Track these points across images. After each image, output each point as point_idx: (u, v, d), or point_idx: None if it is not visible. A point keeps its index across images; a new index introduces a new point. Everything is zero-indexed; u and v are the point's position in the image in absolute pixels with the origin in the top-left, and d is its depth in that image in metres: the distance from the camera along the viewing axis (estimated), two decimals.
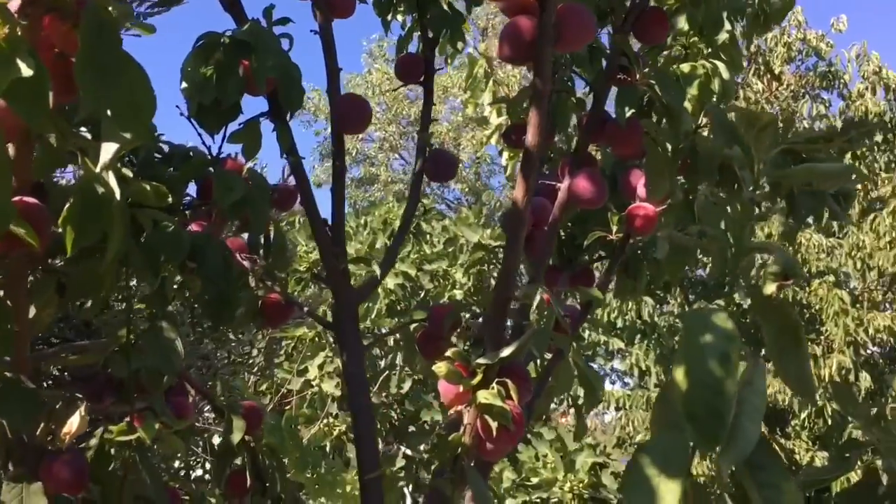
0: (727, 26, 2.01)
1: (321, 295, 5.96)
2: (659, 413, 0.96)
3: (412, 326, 2.09)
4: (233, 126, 1.75)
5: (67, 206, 1.16)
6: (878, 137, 9.28)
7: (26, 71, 0.96)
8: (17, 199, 1.18)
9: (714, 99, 2.03)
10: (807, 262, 8.71)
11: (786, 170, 0.90)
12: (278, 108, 1.79)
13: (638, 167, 2.06)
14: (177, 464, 4.53)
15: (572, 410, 8.79)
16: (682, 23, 2.06)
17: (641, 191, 1.96)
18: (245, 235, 1.99)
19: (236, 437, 1.89)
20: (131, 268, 1.49)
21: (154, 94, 1.12)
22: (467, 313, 2.16)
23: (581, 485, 5.88)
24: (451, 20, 2.06)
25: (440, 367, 1.49)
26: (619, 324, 8.80)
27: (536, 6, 1.48)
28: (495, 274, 6.55)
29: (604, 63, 2.01)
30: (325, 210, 1.96)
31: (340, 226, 1.92)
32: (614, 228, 2.06)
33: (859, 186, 8.58)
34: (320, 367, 5.46)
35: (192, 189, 1.84)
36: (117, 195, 1.20)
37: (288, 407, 5.25)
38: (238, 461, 1.99)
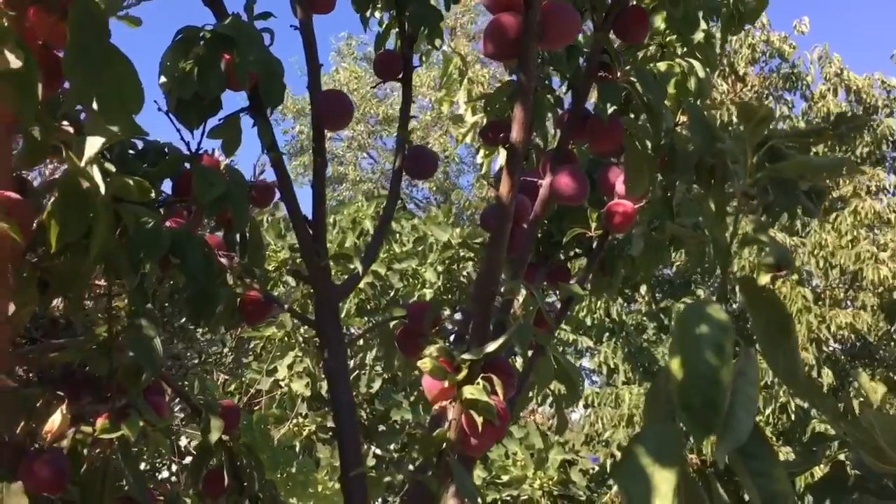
0: (703, 25, 2.05)
1: (290, 295, 5.92)
2: (652, 403, 0.98)
3: (391, 324, 2.09)
4: (212, 121, 1.73)
5: (52, 200, 1.15)
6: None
7: (15, 63, 0.95)
8: None
9: (690, 97, 2.06)
10: None
11: (780, 164, 0.92)
12: (259, 104, 1.78)
13: (616, 164, 2.09)
14: (142, 465, 4.48)
15: (541, 409, 8.85)
16: (659, 21, 2.09)
17: (620, 188, 1.98)
18: (220, 233, 1.99)
19: (214, 436, 1.88)
20: (111, 264, 1.47)
21: (142, 87, 1.11)
22: (445, 311, 2.17)
23: (551, 482, 5.93)
24: (429, 17, 2.07)
25: (425, 363, 1.49)
26: (588, 322, 8.87)
27: (520, 3, 1.50)
28: (465, 273, 6.58)
29: (581, 61, 2.03)
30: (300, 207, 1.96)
31: (321, 222, 1.91)
32: (593, 225, 2.08)
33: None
34: (290, 366, 5.44)
35: (166, 185, 1.83)
36: (102, 190, 1.19)
37: (257, 407, 5.21)
38: (215, 461, 1.98)
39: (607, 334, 9.14)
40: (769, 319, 0.92)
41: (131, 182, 1.33)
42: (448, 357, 1.52)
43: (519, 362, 2.06)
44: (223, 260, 1.87)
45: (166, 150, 1.79)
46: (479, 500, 5.69)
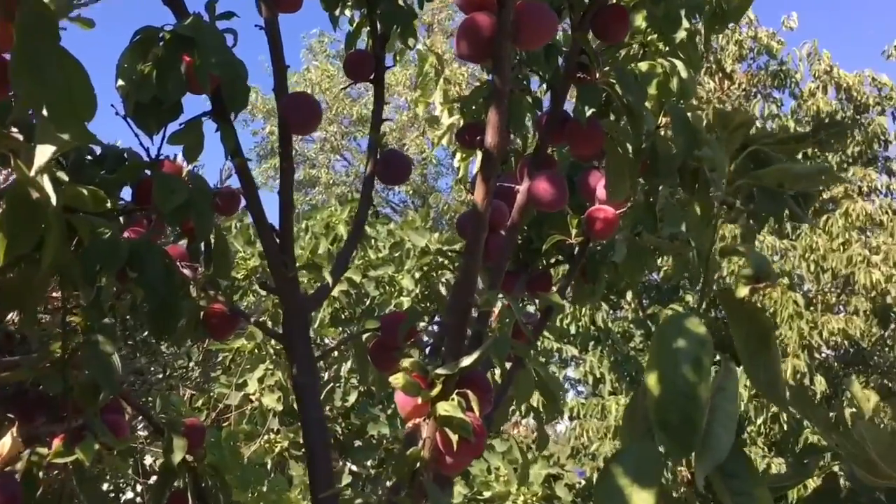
0: (685, 24, 2.06)
1: (260, 305, 5.90)
2: (629, 421, 0.99)
3: (364, 336, 2.09)
4: (172, 126, 1.72)
5: (0, 211, 1.13)
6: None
7: None
8: None
9: (673, 98, 2.07)
10: None
11: (759, 171, 0.93)
12: (222, 108, 1.77)
13: (596, 168, 2.10)
14: (105, 486, 4.43)
15: (525, 421, 8.86)
16: (640, 20, 2.10)
17: (601, 192, 1.99)
18: (183, 242, 1.97)
19: (177, 456, 1.87)
20: (66, 277, 1.46)
21: (94, 92, 1.10)
22: (421, 321, 2.16)
23: (535, 497, 5.93)
24: (401, 16, 2.07)
25: (397, 379, 1.49)
26: (573, 330, 8.90)
27: (494, 2, 1.50)
28: (444, 280, 6.58)
29: (560, 61, 2.04)
30: (268, 214, 1.95)
31: (288, 231, 1.91)
32: (573, 232, 2.09)
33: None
34: (260, 380, 5.40)
35: (126, 193, 1.82)
36: (53, 200, 1.18)
37: (226, 423, 5.18)
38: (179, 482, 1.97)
39: (593, 343, 9.17)
40: (749, 332, 0.93)
41: (85, 191, 1.32)
42: (422, 372, 1.52)
43: (497, 375, 2.06)
44: (186, 271, 1.86)
45: (125, 155, 1.77)
46: None
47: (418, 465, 1.47)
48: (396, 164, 2.10)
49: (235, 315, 1.96)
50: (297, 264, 1.97)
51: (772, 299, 8.51)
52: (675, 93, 2.10)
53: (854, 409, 1.47)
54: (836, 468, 1.40)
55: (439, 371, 1.48)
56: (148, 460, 4.02)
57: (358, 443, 6.01)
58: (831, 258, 8.83)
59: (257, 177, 17.85)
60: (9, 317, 1.85)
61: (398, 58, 2.21)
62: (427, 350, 1.88)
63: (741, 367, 1.10)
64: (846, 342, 8.77)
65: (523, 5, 1.51)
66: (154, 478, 2.35)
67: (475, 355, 1.47)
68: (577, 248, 2.19)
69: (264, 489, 4.27)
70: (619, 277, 2.36)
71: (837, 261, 8.79)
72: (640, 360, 9.15)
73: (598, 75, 1.87)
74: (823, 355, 9.07)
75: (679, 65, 2.10)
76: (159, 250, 1.66)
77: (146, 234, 1.73)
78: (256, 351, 5.65)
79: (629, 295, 9.14)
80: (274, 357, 5.56)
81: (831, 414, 1.21)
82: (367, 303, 6.31)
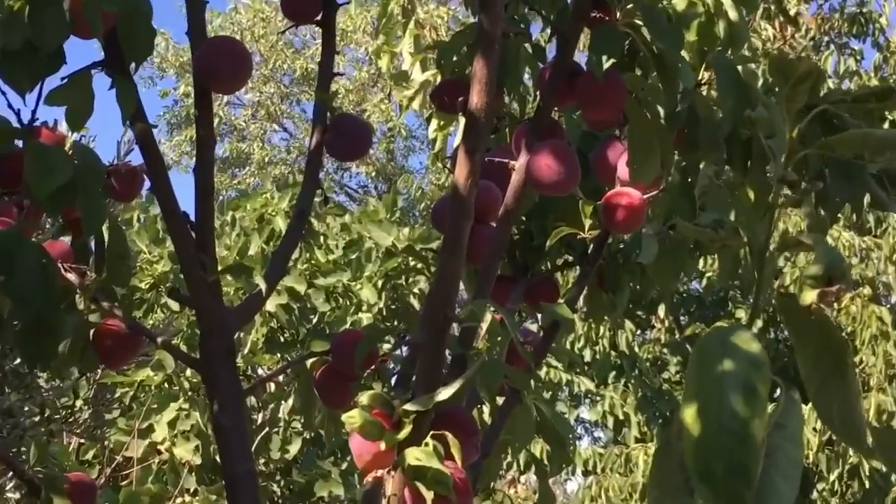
0: None
1: (171, 323, 5.89)
2: (659, 471, 0.99)
3: (309, 363, 2.09)
4: (52, 81, 1.72)
5: None
6: None
7: None
8: None
9: (718, 47, 2.09)
10: None
11: (830, 138, 0.93)
12: (118, 57, 1.76)
13: (617, 139, 2.11)
14: None
15: (524, 477, 8.88)
16: None
17: (623, 171, 2.00)
18: (67, 238, 1.97)
19: None
20: None
21: None
22: (386, 342, 2.17)
23: None
24: None
25: (352, 418, 1.50)
26: (587, 356, 8.92)
27: None
28: (417, 290, 6.59)
29: None
30: (182, 199, 1.95)
31: (208, 222, 1.90)
32: (587, 223, 2.10)
33: None
34: (171, 424, 5.39)
35: None
36: None
37: (126, 481, 5.16)
38: None
39: (614, 373, 9.20)
40: (819, 352, 0.93)
41: None
42: (385, 408, 1.53)
43: (487, 413, 2.06)
44: (70, 276, 1.86)
45: None
46: None
47: None
48: (352, 133, 2.10)
49: (137, 335, 1.95)
50: (221, 267, 1.97)
51: (849, 316, 8.57)
52: (722, 40, 2.12)
53: None
54: None
55: (409, 407, 1.49)
56: None
57: None
58: None
59: (167, 152, 17.83)
60: None
61: None
62: (393, 380, 1.88)
63: (808, 405, 1.10)
64: None
65: None
66: None
67: (456, 386, 1.48)
68: (591, 246, 2.20)
69: None
70: (648, 285, 2.37)
71: None
72: (677, 396, 9.19)
73: (618, 15, 1.88)
74: None
75: (727, 3, 2.11)
76: (34, 248, 1.65)
77: (16, 227, 1.73)
78: (166, 385, 5.64)
79: (661, 310, 9.18)
80: (190, 393, 5.55)
81: None
82: (315, 321, 6.31)
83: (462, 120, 1.65)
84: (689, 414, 0.88)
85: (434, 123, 2.94)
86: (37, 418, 4.56)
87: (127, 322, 1.92)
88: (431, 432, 1.49)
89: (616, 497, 8.42)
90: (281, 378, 6.20)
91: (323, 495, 5.88)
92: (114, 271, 1.91)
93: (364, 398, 1.53)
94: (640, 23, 1.86)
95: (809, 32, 10.63)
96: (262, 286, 1.97)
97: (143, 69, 17.46)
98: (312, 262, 6.38)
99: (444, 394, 1.49)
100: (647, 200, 2.03)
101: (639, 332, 9.59)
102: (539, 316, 2.23)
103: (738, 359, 0.87)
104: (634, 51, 1.98)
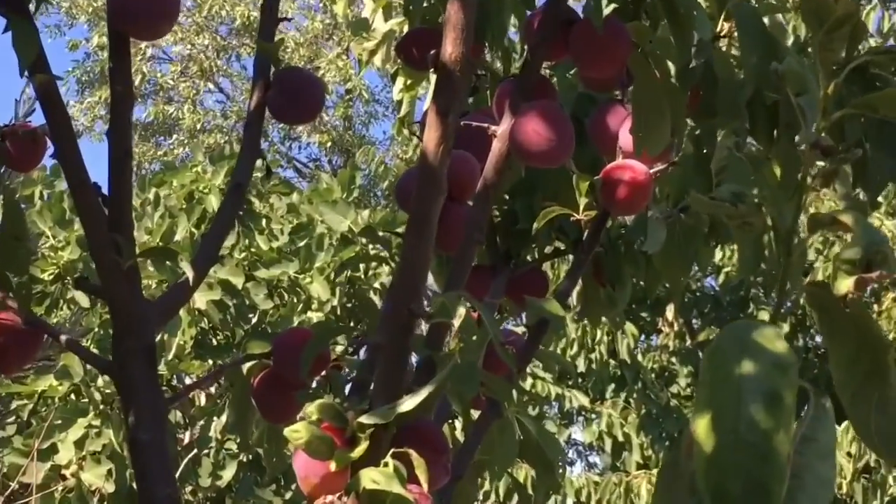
0: None
1: (79, 320, 5.87)
2: (666, 492, 1.00)
3: (245, 367, 2.08)
4: None
5: None
6: None
7: None
8: None
9: None
10: None
11: (872, 95, 0.93)
12: None
13: (619, 102, 2.12)
14: None
15: None
16: None
17: (627, 140, 2.01)
18: None
19: None
20: None
21: None
22: (339, 343, 2.16)
23: None
24: None
25: (297, 433, 1.50)
26: (581, 365, 8.96)
27: None
28: (378, 284, 6.60)
29: None
30: (94, 172, 1.94)
31: (124, 196, 1.89)
32: (582, 203, 2.10)
33: None
34: (79, 443, 5.38)
35: None
36: None
37: None
38: None
39: (613, 386, 9.24)
40: (855, 351, 0.94)
41: None
42: (337, 420, 1.53)
43: (459, 429, 2.07)
44: None
45: None
46: None
47: None
48: (300, 90, 2.09)
49: (36, 332, 1.94)
50: (139, 251, 1.96)
51: (891, 320, 8.65)
52: None
53: None
54: None
55: (365, 420, 1.49)
56: None
57: None
58: None
59: (78, 116, 17.76)
60: None
61: None
62: (347, 388, 1.88)
63: (842, 425, 1.11)
64: None
65: None
66: None
67: (423, 395, 1.48)
68: (587, 230, 2.21)
69: None
70: (654, 280, 2.38)
71: None
72: (687, 414, 9.23)
73: None
74: None
75: None
76: None
77: None
78: (73, 397, 5.62)
79: (669, 310, 9.22)
80: (102, 407, 5.53)
81: None
82: (254, 321, 6.30)
83: (433, 76, 1.64)
84: (701, 425, 0.88)
85: (400, 82, 2.92)
86: None
87: (24, 316, 1.91)
88: (392, 450, 1.49)
89: None
90: (213, 389, 6.21)
91: None
92: (8, 255, 1.90)
93: (312, 409, 1.52)
94: None
95: None
96: (190, 274, 1.96)
97: (48, 15, 17.39)
98: (252, 249, 6.37)
99: (408, 404, 1.49)
100: (653, 176, 2.04)
101: (642, 336, 9.63)
102: (523, 313, 2.23)
103: (759, 360, 0.87)
104: None
